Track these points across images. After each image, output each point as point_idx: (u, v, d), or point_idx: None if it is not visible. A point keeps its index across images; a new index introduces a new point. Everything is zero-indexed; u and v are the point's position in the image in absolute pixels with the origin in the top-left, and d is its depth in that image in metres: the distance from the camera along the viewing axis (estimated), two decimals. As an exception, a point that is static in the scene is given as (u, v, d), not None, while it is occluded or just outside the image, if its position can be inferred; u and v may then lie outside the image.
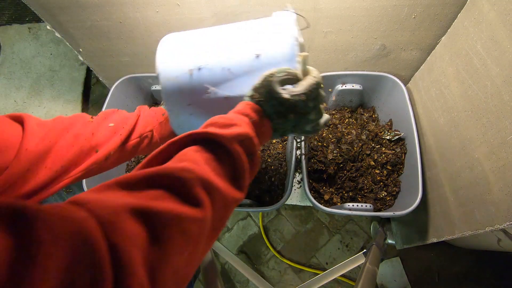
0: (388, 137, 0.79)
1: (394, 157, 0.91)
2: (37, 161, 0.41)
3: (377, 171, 0.91)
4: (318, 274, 0.98)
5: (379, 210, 0.88)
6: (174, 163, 0.30)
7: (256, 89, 0.41)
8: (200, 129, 0.35)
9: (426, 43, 0.84)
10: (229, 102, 0.49)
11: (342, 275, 1.14)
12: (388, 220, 1.13)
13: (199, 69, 0.49)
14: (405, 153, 0.92)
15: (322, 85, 0.43)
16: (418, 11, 0.75)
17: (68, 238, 0.18)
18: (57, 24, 0.92)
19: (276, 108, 0.40)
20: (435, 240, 0.79)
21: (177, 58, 0.51)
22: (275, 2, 0.78)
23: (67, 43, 0.99)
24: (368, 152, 0.93)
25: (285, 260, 1.23)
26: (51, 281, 0.16)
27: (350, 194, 0.91)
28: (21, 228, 0.17)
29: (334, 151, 0.92)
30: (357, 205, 0.86)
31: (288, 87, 0.42)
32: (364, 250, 0.88)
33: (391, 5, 0.75)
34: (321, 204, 0.81)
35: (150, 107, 0.63)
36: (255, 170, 0.38)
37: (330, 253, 1.24)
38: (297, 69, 0.44)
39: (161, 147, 0.33)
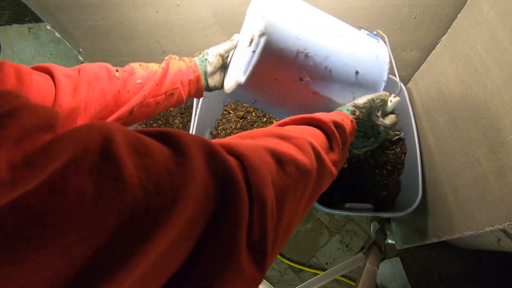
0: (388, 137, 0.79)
1: (394, 157, 0.91)
2: (68, 119, 0.41)
3: (377, 171, 0.91)
4: (318, 274, 0.98)
5: (379, 210, 0.88)
6: (295, 130, 0.37)
7: (358, 107, 0.48)
8: (312, 115, 0.42)
9: (426, 43, 0.84)
10: (313, 98, 0.51)
11: (342, 275, 1.14)
12: (388, 220, 1.13)
13: (306, 55, 0.47)
14: (405, 153, 0.91)
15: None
16: (418, 11, 0.75)
17: (200, 147, 0.22)
18: (57, 24, 0.92)
19: (367, 129, 0.49)
20: (435, 240, 0.79)
21: (289, 27, 0.47)
22: (275, 2, 0.78)
23: (67, 43, 0.99)
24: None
25: (285, 260, 1.23)
26: (196, 193, 0.20)
27: (350, 194, 0.91)
28: (173, 143, 0.21)
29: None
30: (357, 205, 0.86)
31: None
32: (364, 250, 0.88)
33: (391, 5, 0.75)
34: (321, 204, 0.81)
35: (180, 58, 0.59)
36: (343, 160, 0.43)
37: (330, 253, 1.24)
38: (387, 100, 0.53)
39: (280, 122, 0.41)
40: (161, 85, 0.53)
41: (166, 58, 0.56)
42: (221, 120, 1.13)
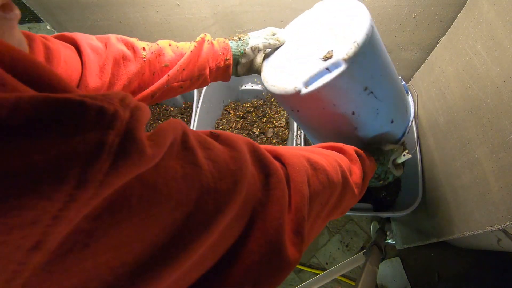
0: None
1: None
2: None
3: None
4: (318, 274, 0.97)
5: (379, 210, 0.88)
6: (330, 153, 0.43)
7: (381, 152, 0.55)
8: (343, 144, 0.47)
9: (426, 43, 0.84)
10: (351, 131, 0.54)
11: (342, 275, 1.14)
12: (388, 220, 1.13)
13: (370, 93, 0.48)
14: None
15: None
16: (418, 11, 0.75)
17: (245, 144, 0.27)
18: (57, 24, 0.92)
19: (381, 173, 0.55)
20: (435, 240, 0.79)
21: (370, 62, 0.46)
22: (275, 2, 0.78)
23: (67, 43, 0.99)
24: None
25: (285, 260, 1.23)
26: (247, 180, 0.24)
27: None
28: (223, 141, 0.26)
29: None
30: (357, 205, 0.86)
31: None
32: (364, 250, 0.88)
33: (391, 5, 0.75)
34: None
35: (214, 40, 0.54)
36: (364, 189, 0.47)
37: (330, 253, 1.24)
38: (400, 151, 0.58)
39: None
40: (188, 70, 0.51)
41: (198, 38, 0.52)
42: (221, 120, 1.13)
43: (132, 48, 0.47)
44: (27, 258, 0.13)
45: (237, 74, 0.58)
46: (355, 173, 0.44)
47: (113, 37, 0.45)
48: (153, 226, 0.17)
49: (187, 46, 0.52)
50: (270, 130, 1.05)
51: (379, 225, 1.16)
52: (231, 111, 1.14)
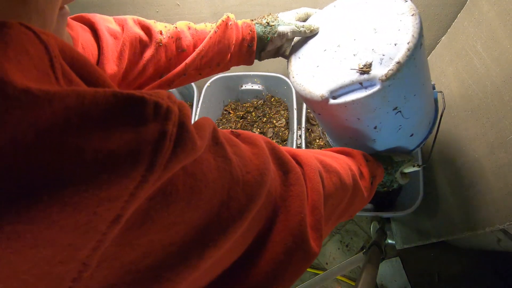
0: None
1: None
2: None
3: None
4: (318, 274, 0.97)
5: (379, 210, 0.88)
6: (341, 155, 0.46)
7: (390, 162, 0.55)
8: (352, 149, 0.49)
9: (426, 43, 0.84)
10: (369, 140, 0.52)
11: (342, 275, 1.14)
12: (388, 220, 1.13)
13: (398, 112, 0.44)
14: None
15: None
16: (418, 11, 0.75)
17: (264, 142, 0.29)
18: (57, 24, 0.92)
19: (387, 181, 0.56)
20: (435, 240, 0.79)
21: (407, 84, 0.42)
22: (275, 2, 0.78)
23: (67, 43, 0.99)
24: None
25: (285, 260, 1.23)
26: (270, 174, 0.26)
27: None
28: (244, 139, 0.28)
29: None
30: (357, 205, 0.86)
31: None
32: (364, 250, 0.88)
33: (391, 5, 0.75)
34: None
35: (237, 21, 0.50)
36: (372, 193, 0.48)
37: (330, 253, 1.24)
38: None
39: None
40: (207, 58, 0.47)
41: (220, 21, 0.48)
42: (221, 120, 1.13)
43: (149, 32, 0.44)
44: (109, 229, 0.15)
45: (260, 59, 0.54)
46: (364, 177, 0.45)
47: (130, 20, 0.43)
48: (195, 211, 0.19)
49: (207, 29, 0.47)
50: (270, 130, 1.05)
51: (379, 225, 1.16)
52: (231, 111, 1.14)
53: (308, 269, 1.21)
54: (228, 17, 0.48)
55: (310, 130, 1.02)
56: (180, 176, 0.18)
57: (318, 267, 1.22)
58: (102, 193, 0.14)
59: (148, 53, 0.43)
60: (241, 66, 1.11)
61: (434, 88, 0.56)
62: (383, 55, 0.39)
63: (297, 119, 0.94)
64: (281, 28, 0.49)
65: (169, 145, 0.16)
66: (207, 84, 1.02)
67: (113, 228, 0.15)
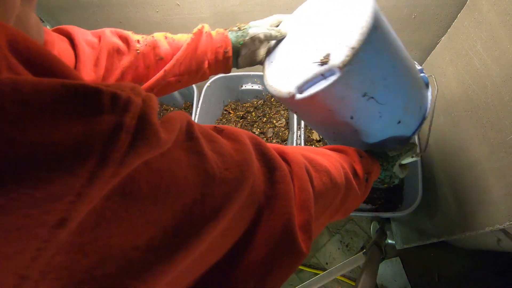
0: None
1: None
2: None
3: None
4: (318, 274, 0.97)
5: (379, 210, 0.88)
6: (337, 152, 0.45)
7: (385, 158, 0.53)
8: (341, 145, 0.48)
9: (426, 43, 0.84)
10: (351, 133, 0.50)
11: (342, 275, 1.14)
12: (388, 220, 1.13)
13: (370, 99, 0.44)
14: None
15: None
16: (418, 11, 0.75)
17: (249, 138, 0.27)
18: (57, 24, 0.92)
19: (386, 177, 0.54)
20: (435, 240, 0.79)
21: (371, 69, 0.43)
22: (275, 2, 0.78)
23: (67, 43, 0.99)
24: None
25: (285, 260, 1.23)
26: (253, 170, 0.24)
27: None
28: (227, 135, 0.26)
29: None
30: (357, 205, 0.86)
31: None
32: (364, 250, 0.88)
33: (391, 5, 0.75)
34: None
35: (213, 30, 0.52)
36: (367, 190, 0.47)
37: (330, 253, 1.24)
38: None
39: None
40: (185, 64, 0.49)
41: (195, 29, 0.49)
42: (221, 120, 1.13)
43: (126, 41, 0.45)
44: (51, 235, 0.13)
45: (238, 66, 0.55)
46: (358, 174, 0.44)
47: (107, 31, 0.44)
48: (162, 211, 0.18)
49: (183, 39, 0.49)
50: (270, 130, 1.05)
51: (379, 225, 1.16)
52: (231, 111, 1.14)
53: (308, 269, 1.21)
54: (203, 26, 0.50)
55: (310, 129, 1.02)
56: (142, 173, 0.17)
57: (318, 267, 1.22)
58: (37, 192, 0.12)
59: (126, 61, 0.44)
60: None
61: (422, 72, 0.55)
62: (339, 43, 0.40)
63: (297, 119, 0.94)
64: (252, 31, 0.51)
65: (126, 137, 0.15)
66: (207, 84, 1.02)
67: (57, 233, 0.13)
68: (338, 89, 0.41)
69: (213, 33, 0.51)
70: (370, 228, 1.25)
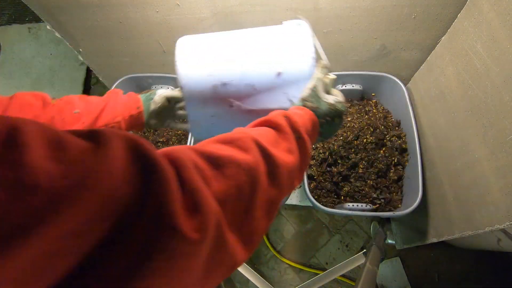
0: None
1: (394, 158, 0.91)
2: None
3: (377, 171, 0.91)
4: (318, 274, 0.98)
5: (379, 210, 0.88)
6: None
7: (305, 99, 0.48)
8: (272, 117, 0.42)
9: (426, 43, 0.83)
10: (252, 114, 0.52)
11: (342, 275, 1.14)
12: (388, 220, 1.13)
13: (224, 84, 0.50)
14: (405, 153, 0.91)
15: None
16: (418, 11, 0.75)
17: (124, 141, 0.24)
18: (57, 24, 0.92)
19: (326, 113, 0.48)
20: (435, 240, 0.79)
21: (200, 70, 0.51)
22: (275, 2, 0.78)
23: (67, 43, 0.99)
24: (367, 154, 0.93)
25: (285, 260, 1.23)
26: (112, 176, 0.21)
27: (349, 193, 0.91)
28: (97, 139, 0.22)
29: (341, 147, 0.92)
30: (357, 205, 0.86)
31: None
32: (364, 250, 0.88)
33: (391, 5, 0.75)
34: (321, 203, 0.81)
35: (125, 93, 0.60)
36: (306, 146, 0.42)
37: (330, 253, 1.24)
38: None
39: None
40: (101, 118, 0.55)
41: (109, 91, 0.58)
42: (221, 120, 1.13)
43: (41, 98, 0.50)
44: None
45: (149, 125, 0.62)
46: (288, 140, 0.39)
47: (20, 93, 0.49)
48: None
49: (97, 98, 0.57)
50: (270, 130, 1.05)
51: (379, 225, 1.16)
52: (231, 111, 1.14)
53: (308, 269, 1.21)
54: (117, 89, 0.60)
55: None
56: None
57: (318, 267, 1.22)
58: None
59: (40, 113, 0.47)
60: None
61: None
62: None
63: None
64: (160, 90, 0.62)
65: None
66: (207, 84, 1.02)
67: None
68: (193, 99, 0.53)
69: (125, 95, 0.60)
70: (370, 228, 1.25)
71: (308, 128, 0.44)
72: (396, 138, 0.91)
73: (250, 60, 0.51)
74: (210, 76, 0.50)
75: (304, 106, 0.47)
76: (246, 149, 0.33)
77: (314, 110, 0.47)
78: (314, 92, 0.49)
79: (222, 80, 0.50)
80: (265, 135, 0.38)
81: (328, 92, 0.51)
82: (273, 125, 0.40)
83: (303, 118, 0.44)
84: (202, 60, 0.52)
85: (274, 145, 0.37)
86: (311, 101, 0.48)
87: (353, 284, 1.16)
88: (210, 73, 0.50)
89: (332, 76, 0.51)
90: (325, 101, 0.48)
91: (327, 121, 0.48)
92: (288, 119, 0.41)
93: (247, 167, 0.31)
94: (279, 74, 0.50)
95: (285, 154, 0.37)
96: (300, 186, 1.25)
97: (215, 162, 0.30)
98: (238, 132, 0.37)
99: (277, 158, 0.35)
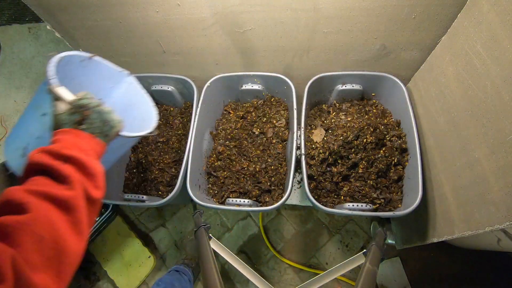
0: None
1: (394, 158, 0.91)
2: None
3: (377, 171, 0.91)
4: (318, 274, 0.97)
5: (379, 210, 0.88)
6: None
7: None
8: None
9: (426, 43, 0.83)
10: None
11: (342, 275, 1.14)
12: (388, 220, 1.13)
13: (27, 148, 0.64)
14: (405, 153, 0.91)
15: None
16: (418, 11, 0.75)
17: None
18: (57, 24, 0.92)
19: (71, 116, 0.51)
20: (435, 240, 0.79)
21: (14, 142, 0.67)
22: (275, 2, 0.78)
23: (67, 43, 0.99)
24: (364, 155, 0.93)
25: (285, 260, 1.23)
26: None
27: (349, 193, 0.91)
28: None
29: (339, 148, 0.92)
30: (357, 205, 0.86)
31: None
32: (364, 250, 0.88)
33: (391, 5, 0.75)
34: (321, 203, 0.81)
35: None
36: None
37: (330, 253, 1.24)
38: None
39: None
40: None
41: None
42: (221, 120, 1.13)
43: None
44: None
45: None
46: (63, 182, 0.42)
47: None
48: None
49: None
50: (270, 130, 1.05)
51: (379, 225, 1.16)
52: (231, 111, 1.14)
53: (308, 269, 1.21)
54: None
55: (312, 125, 1.02)
56: None
57: (318, 267, 1.22)
58: None
59: None
60: (241, 66, 1.11)
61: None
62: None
63: (297, 119, 0.94)
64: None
65: None
66: (207, 84, 1.02)
67: None
68: None
69: None
70: (370, 228, 1.25)
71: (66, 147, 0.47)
72: (396, 138, 0.91)
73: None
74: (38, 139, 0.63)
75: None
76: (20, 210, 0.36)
77: (60, 123, 0.51)
78: (53, 116, 0.52)
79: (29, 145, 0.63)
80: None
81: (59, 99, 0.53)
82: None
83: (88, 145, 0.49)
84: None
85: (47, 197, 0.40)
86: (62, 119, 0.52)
87: (353, 284, 1.16)
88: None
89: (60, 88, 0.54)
90: (58, 114, 0.51)
91: (97, 129, 0.52)
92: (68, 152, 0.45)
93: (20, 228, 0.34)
94: (44, 114, 0.61)
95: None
96: (300, 186, 1.25)
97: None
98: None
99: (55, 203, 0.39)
